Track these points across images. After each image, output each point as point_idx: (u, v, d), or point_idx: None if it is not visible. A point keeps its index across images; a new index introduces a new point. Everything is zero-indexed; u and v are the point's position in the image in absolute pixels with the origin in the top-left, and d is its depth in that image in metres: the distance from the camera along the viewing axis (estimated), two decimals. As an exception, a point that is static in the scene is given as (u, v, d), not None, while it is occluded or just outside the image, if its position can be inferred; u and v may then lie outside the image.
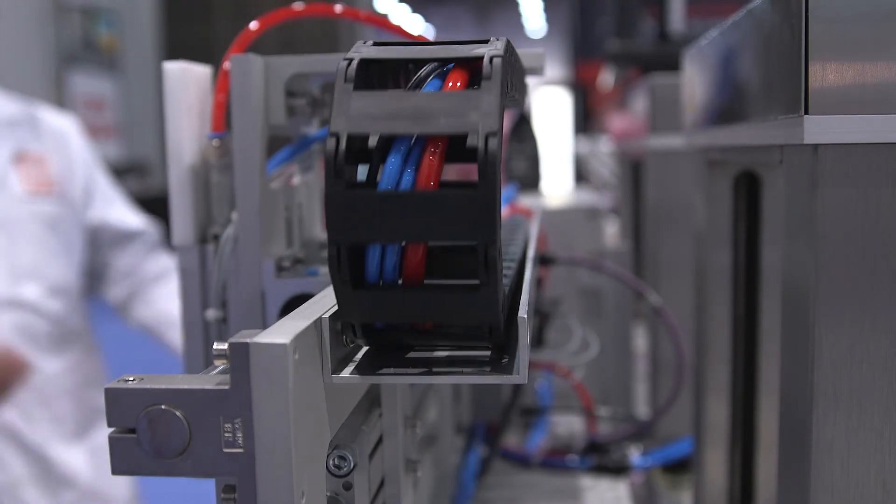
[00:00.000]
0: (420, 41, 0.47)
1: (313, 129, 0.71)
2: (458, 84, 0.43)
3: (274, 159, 0.67)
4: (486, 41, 0.45)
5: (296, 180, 0.70)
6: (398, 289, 0.43)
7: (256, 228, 0.61)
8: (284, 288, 0.62)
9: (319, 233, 0.74)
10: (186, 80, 0.64)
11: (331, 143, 0.40)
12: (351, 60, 0.42)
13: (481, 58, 0.42)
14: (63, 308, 1.40)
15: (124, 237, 1.51)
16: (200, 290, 0.65)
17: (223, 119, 0.64)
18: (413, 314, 0.43)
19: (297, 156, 0.69)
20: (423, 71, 0.44)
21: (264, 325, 0.56)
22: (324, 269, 0.63)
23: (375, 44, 0.45)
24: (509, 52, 0.45)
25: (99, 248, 1.50)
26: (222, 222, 0.65)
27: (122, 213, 1.52)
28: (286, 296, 0.62)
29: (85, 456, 1.42)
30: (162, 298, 1.49)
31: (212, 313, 0.64)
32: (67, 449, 1.40)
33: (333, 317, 0.45)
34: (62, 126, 1.50)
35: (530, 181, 1.55)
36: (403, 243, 0.42)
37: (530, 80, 0.73)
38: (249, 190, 0.61)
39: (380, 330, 0.45)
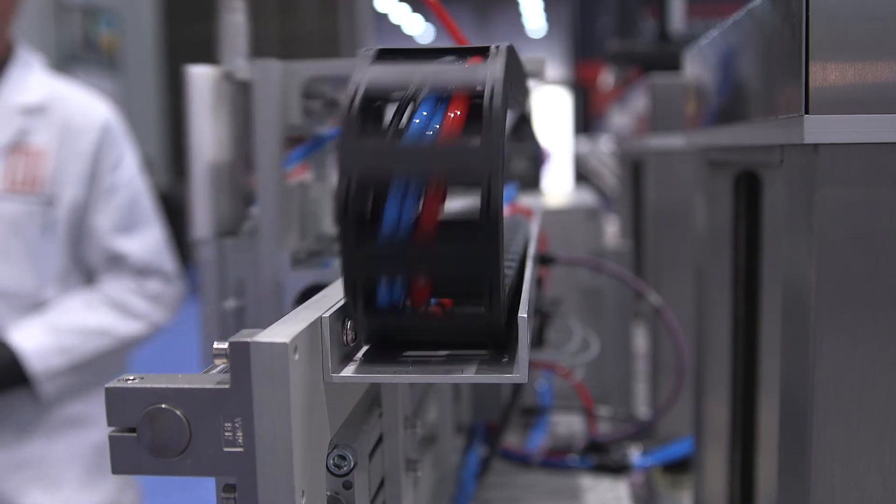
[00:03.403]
0: (427, 49, 0.47)
1: (326, 129, 0.73)
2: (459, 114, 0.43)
3: (289, 157, 0.68)
4: (486, 49, 0.44)
5: (309, 177, 0.72)
6: (410, 315, 0.44)
7: (274, 223, 0.64)
8: (300, 279, 0.64)
9: (330, 227, 0.76)
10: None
11: (342, 182, 0.40)
12: (355, 95, 0.41)
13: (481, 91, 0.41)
14: (5, 312, 1.32)
15: (109, 257, 1.40)
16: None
17: None
18: (425, 337, 0.46)
19: (311, 154, 0.71)
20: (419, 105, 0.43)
21: (281, 314, 0.60)
22: (337, 261, 0.64)
23: (380, 52, 0.44)
24: (510, 63, 0.45)
25: (90, 258, 1.41)
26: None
27: (109, 230, 1.40)
28: (301, 286, 0.64)
29: None
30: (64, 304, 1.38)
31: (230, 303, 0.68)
32: None
33: (334, 316, 0.45)
34: (85, 120, 1.40)
35: (530, 181, 1.55)
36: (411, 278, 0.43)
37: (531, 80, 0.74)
38: (269, 186, 0.64)
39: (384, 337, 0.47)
